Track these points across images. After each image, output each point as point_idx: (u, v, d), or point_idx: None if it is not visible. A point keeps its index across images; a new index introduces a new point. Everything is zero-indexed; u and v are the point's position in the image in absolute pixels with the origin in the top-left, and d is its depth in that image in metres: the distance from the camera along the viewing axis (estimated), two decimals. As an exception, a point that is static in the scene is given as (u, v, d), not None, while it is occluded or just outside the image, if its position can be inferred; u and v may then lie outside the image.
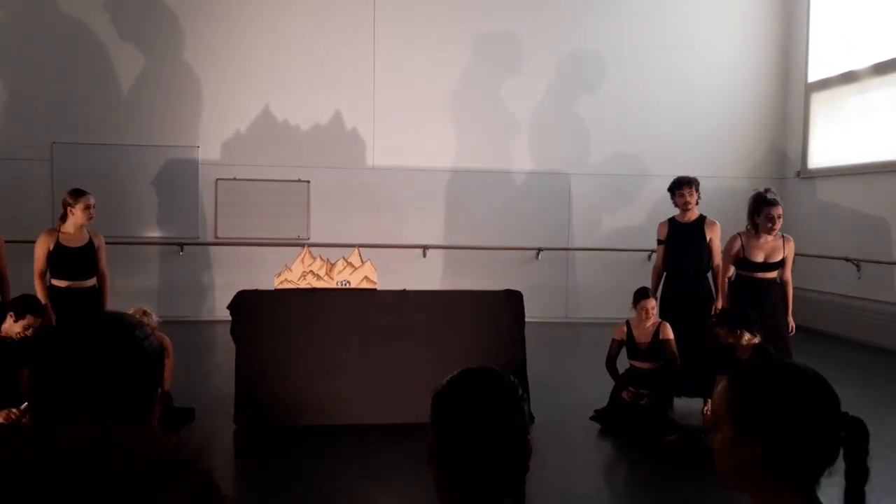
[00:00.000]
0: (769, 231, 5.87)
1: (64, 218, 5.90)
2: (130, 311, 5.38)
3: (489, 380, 1.53)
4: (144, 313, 5.43)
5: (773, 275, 5.97)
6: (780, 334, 5.81)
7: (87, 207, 5.89)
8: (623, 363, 6.04)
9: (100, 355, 1.33)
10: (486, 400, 1.49)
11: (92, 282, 6.01)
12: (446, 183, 10.73)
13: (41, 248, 5.83)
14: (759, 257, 5.91)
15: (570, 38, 10.88)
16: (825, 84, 10.70)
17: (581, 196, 10.99)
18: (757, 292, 5.88)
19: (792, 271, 6.06)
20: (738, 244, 5.98)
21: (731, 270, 6.06)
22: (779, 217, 5.87)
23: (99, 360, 1.32)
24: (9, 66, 9.93)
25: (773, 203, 5.89)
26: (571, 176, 10.97)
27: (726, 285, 6.08)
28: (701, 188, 6.49)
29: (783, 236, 5.97)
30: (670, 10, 11.03)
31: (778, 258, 5.91)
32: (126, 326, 1.39)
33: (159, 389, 1.39)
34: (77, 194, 5.92)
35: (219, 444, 5.27)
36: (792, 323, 5.99)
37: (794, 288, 6.13)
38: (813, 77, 10.91)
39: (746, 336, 5.18)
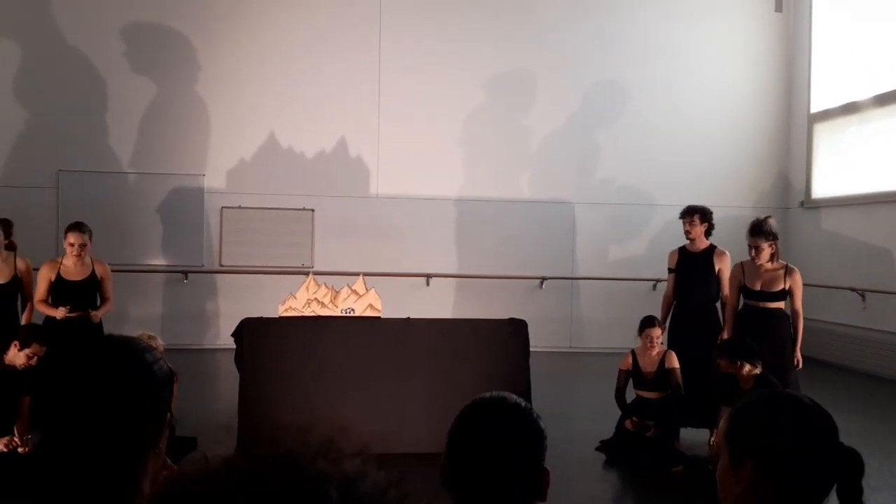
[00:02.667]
0: (753, 259, 5.88)
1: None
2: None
3: (502, 406, 1.54)
4: (150, 338, 5.41)
5: (778, 305, 5.94)
6: (783, 367, 5.76)
7: (72, 245, 5.83)
8: (631, 394, 6.02)
9: (109, 378, 1.32)
10: (499, 425, 1.49)
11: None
12: (450, 212, 10.76)
13: (43, 279, 5.85)
14: (756, 285, 5.89)
15: (576, 70, 10.96)
16: (827, 115, 10.76)
17: (585, 225, 11.00)
18: (761, 323, 5.85)
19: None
20: (738, 272, 5.99)
21: (740, 301, 6.05)
22: (756, 248, 5.84)
23: (108, 383, 1.31)
24: (16, 95, 10.02)
25: (752, 233, 5.87)
26: (575, 205, 10.99)
27: (731, 315, 6.07)
28: (712, 217, 6.46)
29: (787, 266, 5.95)
30: (675, 43, 11.12)
31: (777, 288, 5.87)
32: (135, 349, 1.39)
33: (168, 414, 1.39)
34: (68, 229, 5.90)
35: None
36: (798, 357, 5.92)
37: (798, 318, 6.10)
38: (815, 108, 10.97)
39: (747, 367, 5.16)
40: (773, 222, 5.98)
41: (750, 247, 5.88)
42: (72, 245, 5.85)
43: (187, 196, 10.29)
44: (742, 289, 5.96)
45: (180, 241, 10.28)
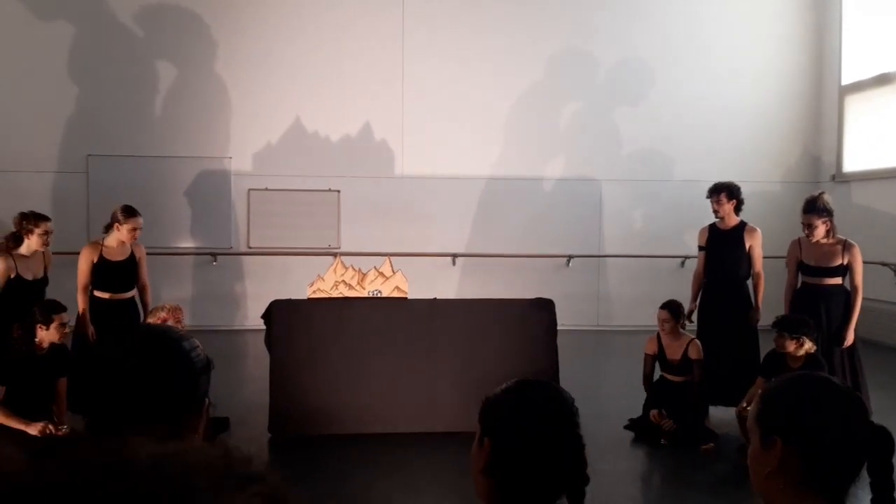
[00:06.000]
0: (808, 237, 5.85)
1: (108, 230, 5.98)
2: (162, 309, 5.47)
3: (549, 392, 1.54)
4: (173, 310, 5.48)
5: (835, 281, 5.89)
6: (838, 345, 5.75)
7: (135, 230, 5.94)
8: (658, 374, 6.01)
9: (148, 366, 1.34)
10: (549, 412, 1.50)
11: (132, 293, 6.10)
12: (475, 191, 10.73)
13: (85, 262, 5.90)
14: (811, 261, 5.86)
15: (603, 45, 10.85)
16: (859, 86, 10.55)
17: (612, 202, 10.93)
18: (818, 299, 5.81)
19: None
20: (795, 248, 5.97)
21: (798, 279, 6.02)
22: (809, 225, 5.80)
23: (147, 371, 1.34)
24: (44, 79, 10.13)
25: (805, 210, 5.85)
26: (602, 182, 10.92)
27: (790, 292, 6.03)
28: (740, 193, 6.39)
29: (845, 242, 5.88)
30: (702, 14, 10.96)
31: (833, 263, 5.83)
32: (173, 338, 1.41)
33: (206, 401, 1.41)
34: (128, 214, 5.94)
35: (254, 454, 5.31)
36: (849, 336, 5.85)
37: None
38: (847, 80, 10.77)
39: (807, 344, 5.14)
40: (826, 198, 5.92)
41: (804, 224, 5.83)
42: (136, 230, 5.95)
43: (215, 179, 10.37)
44: (799, 265, 5.93)
45: (209, 224, 10.38)
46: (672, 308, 5.91)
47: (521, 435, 1.47)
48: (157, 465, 0.66)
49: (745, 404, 5.14)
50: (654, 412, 5.75)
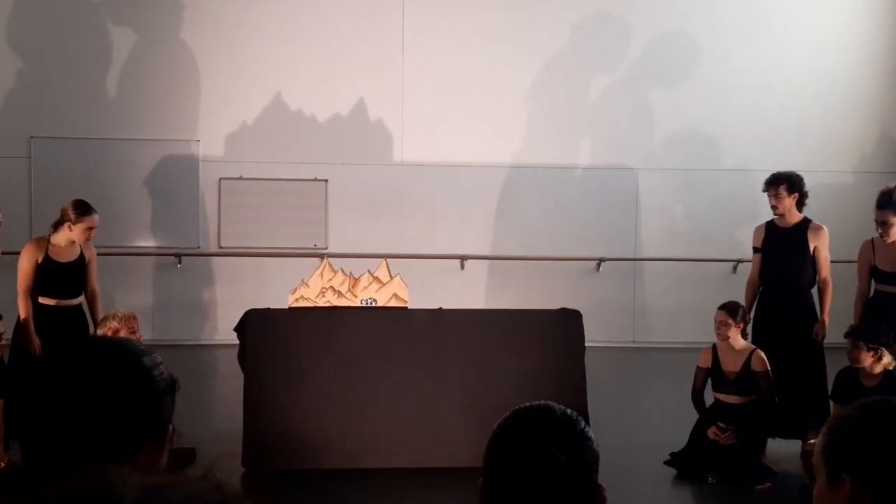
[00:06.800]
0: (882, 237, 5.84)
1: (57, 227, 6.00)
2: (113, 318, 5.47)
3: (545, 417, 1.55)
4: (127, 319, 5.49)
5: None
6: None
7: (90, 229, 6.01)
8: (709, 397, 6.00)
9: (102, 387, 1.34)
10: (542, 441, 1.51)
11: (80, 299, 6.13)
12: (488, 181, 10.72)
13: (28, 262, 5.92)
14: (886, 266, 5.86)
15: (639, 18, 10.83)
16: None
17: (651, 195, 10.91)
18: (891, 310, 5.81)
19: None
20: (867, 250, 5.96)
21: (870, 286, 6.00)
22: (883, 223, 5.80)
23: (101, 393, 1.33)
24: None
25: (878, 206, 5.84)
26: (639, 172, 10.90)
27: (861, 301, 6.02)
28: (803, 186, 6.38)
29: None
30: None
31: None
32: (132, 352, 1.40)
33: (170, 428, 1.41)
34: (82, 211, 5.99)
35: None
36: None
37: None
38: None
39: (886, 358, 5.14)
40: None
41: (877, 222, 5.82)
42: (91, 230, 6.03)
43: (179, 166, 10.39)
44: (872, 270, 5.91)
45: (172, 219, 10.39)
46: (730, 309, 5.93)
47: (514, 471, 1.51)
48: (147, 498, 0.68)
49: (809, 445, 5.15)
50: (712, 429, 5.75)
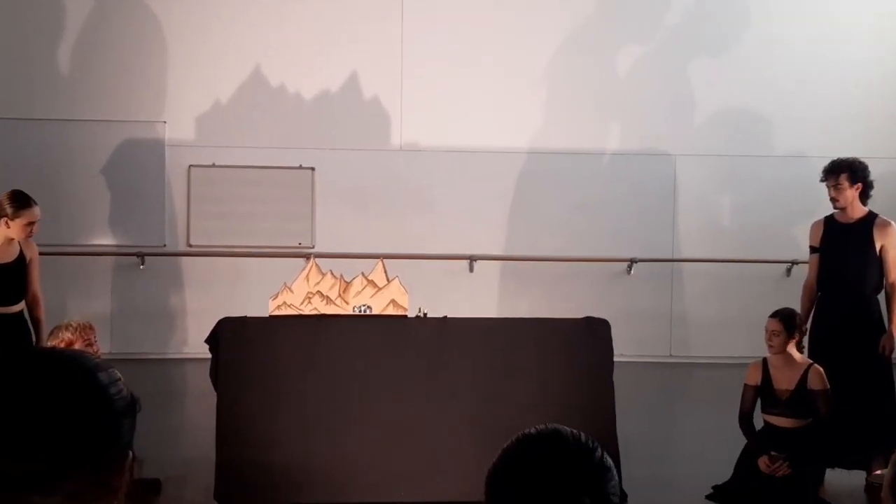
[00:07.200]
0: None
1: None
2: (66, 328, 5.49)
3: (555, 445, 1.53)
4: (86, 328, 5.49)
5: None
6: None
7: (30, 224, 6.03)
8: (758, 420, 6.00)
9: (51, 405, 1.33)
10: (551, 477, 1.48)
11: (21, 306, 6.14)
12: (502, 170, 10.72)
13: None
14: None
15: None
16: None
17: (689, 186, 10.90)
18: None
19: None
20: None
21: None
22: None
23: (50, 412, 1.32)
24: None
25: None
26: (677, 158, 10.89)
27: None
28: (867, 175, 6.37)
29: None
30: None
31: None
32: (86, 366, 1.39)
33: (130, 454, 1.40)
34: (20, 204, 6.01)
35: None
36: None
37: None
38: None
39: None
40: None
41: None
42: (32, 225, 6.04)
43: (142, 151, 10.39)
44: None
45: (133, 213, 10.39)
46: (784, 317, 5.92)
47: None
48: None
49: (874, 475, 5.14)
50: (763, 458, 5.74)
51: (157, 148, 10.43)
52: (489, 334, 6.11)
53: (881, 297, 6.40)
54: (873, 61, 10.97)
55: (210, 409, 5.96)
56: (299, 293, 5.98)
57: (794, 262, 10.22)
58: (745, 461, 5.90)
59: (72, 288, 9.83)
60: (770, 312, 6.09)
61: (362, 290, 6.01)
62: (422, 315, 6.09)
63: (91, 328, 5.64)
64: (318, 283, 5.99)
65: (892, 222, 6.36)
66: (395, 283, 6.06)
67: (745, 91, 10.88)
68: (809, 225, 6.68)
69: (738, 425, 6.03)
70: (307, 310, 5.96)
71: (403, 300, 6.02)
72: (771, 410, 5.94)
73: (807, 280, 6.62)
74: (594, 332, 6.05)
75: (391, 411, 5.81)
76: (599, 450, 1.55)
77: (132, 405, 1.42)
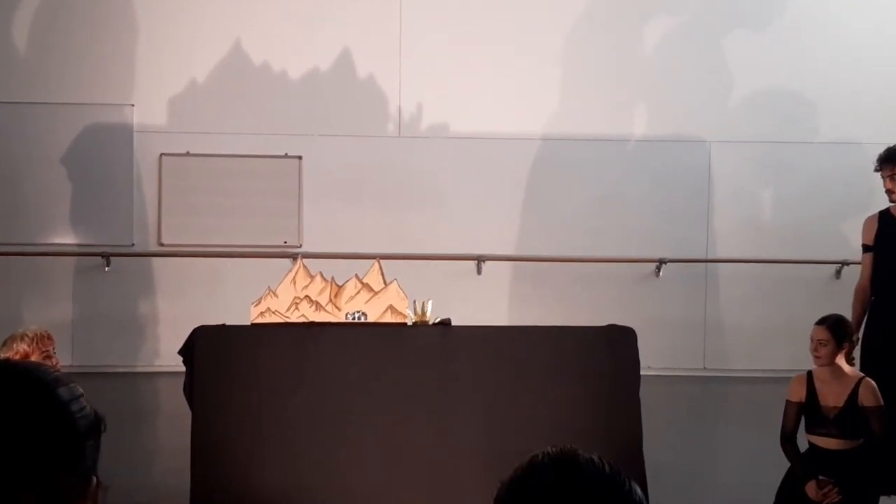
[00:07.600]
0: None
1: None
2: (22, 339, 5.52)
3: (568, 473, 1.53)
4: (44, 338, 5.53)
5: None
6: None
7: None
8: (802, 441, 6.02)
9: (4, 426, 1.34)
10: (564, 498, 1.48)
11: None
12: (513, 159, 10.73)
13: None
14: None
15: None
16: None
17: (725, 176, 10.90)
18: None
19: None
20: None
21: None
22: None
23: (3, 434, 1.34)
24: None
25: None
26: (711, 145, 10.90)
27: None
28: None
29: None
30: None
31: None
32: (44, 381, 1.41)
33: (94, 479, 1.41)
34: None
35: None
36: None
37: None
38: None
39: None
40: None
41: None
42: None
43: (107, 138, 10.40)
44: None
45: (98, 208, 10.41)
46: (833, 325, 5.93)
47: None
48: None
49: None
50: (811, 483, 5.75)
51: (124, 134, 10.44)
52: (499, 344, 6.13)
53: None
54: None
55: (184, 428, 5.99)
56: (285, 298, 6.00)
57: (844, 263, 10.22)
58: (789, 487, 5.92)
59: (28, 293, 9.86)
60: (816, 319, 6.11)
61: (356, 294, 6.04)
62: (422, 311, 6.10)
63: (50, 338, 5.66)
64: (306, 286, 6.02)
65: (956, 217, 6.40)
66: (393, 286, 6.08)
67: (789, 70, 10.90)
68: (862, 221, 6.70)
69: (779, 447, 6.05)
70: (294, 317, 5.98)
71: (402, 306, 6.05)
72: (817, 430, 5.95)
73: (859, 283, 6.65)
74: (618, 342, 6.07)
75: (388, 432, 5.84)
76: (623, 478, 1.54)
77: (96, 424, 1.42)
